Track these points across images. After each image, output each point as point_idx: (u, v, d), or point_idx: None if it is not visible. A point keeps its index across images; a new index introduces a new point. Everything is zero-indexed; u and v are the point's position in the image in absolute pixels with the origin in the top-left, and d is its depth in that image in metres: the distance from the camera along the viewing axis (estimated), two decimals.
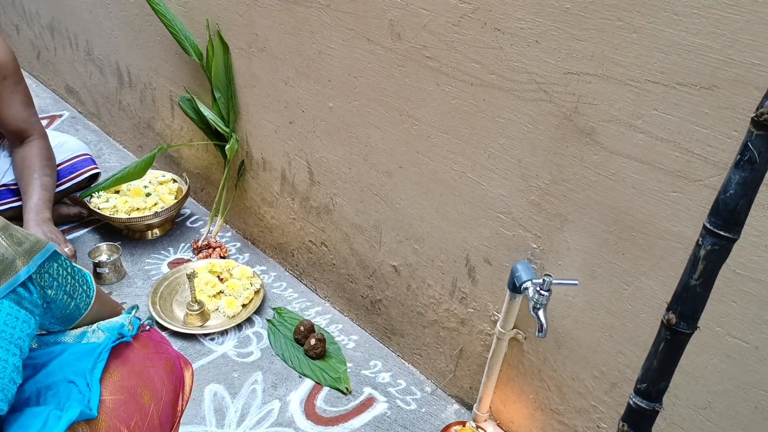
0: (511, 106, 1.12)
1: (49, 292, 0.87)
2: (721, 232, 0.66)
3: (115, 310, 1.09)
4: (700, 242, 0.68)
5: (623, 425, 0.76)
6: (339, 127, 1.47)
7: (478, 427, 1.39)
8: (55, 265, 0.88)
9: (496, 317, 1.32)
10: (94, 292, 0.98)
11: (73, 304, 0.94)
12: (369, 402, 1.50)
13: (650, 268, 1.03)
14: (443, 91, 1.21)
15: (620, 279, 1.08)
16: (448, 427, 1.42)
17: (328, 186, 1.58)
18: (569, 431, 1.28)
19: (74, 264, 0.96)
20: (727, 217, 0.66)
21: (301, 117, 1.56)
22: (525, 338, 1.29)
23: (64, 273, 0.90)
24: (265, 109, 1.66)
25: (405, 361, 1.61)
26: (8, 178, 1.79)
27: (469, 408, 1.48)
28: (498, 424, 1.44)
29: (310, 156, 1.59)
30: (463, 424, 1.40)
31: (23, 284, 0.82)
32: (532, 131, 1.11)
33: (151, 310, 1.68)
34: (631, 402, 0.76)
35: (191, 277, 1.63)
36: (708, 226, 0.67)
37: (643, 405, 0.74)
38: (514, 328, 1.28)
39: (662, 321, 0.72)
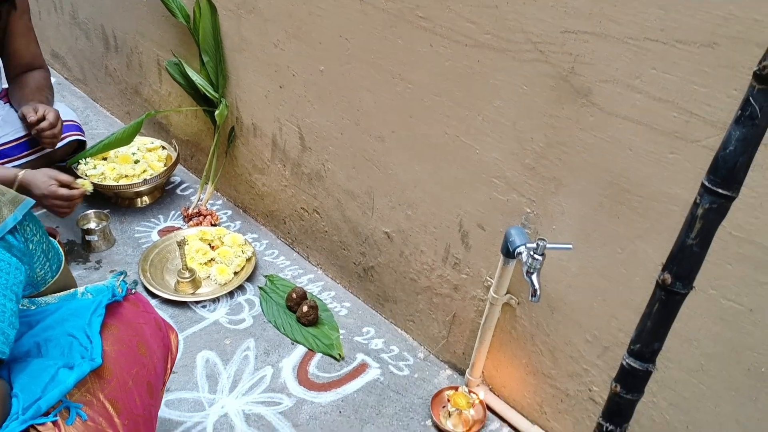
0: (506, 67, 1.09)
1: (30, 246, 0.87)
2: (720, 190, 0.65)
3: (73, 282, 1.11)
4: (697, 201, 0.67)
5: (616, 386, 0.76)
6: (330, 91, 1.44)
7: (470, 391, 1.39)
8: (32, 224, 0.89)
9: (489, 283, 1.32)
10: (63, 260, 0.99)
11: (47, 265, 0.94)
12: (362, 368, 1.50)
13: (645, 232, 1.02)
14: (436, 52, 1.18)
15: (615, 243, 1.07)
16: (441, 392, 1.42)
17: (319, 152, 1.56)
18: (561, 395, 1.28)
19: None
20: (726, 175, 0.64)
21: (292, 81, 1.53)
22: (518, 303, 1.28)
23: (40, 232, 0.91)
24: (255, 73, 1.63)
25: (398, 328, 1.61)
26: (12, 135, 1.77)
27: (462, 373, 1.49)
28: (490, 389, 1.44)
29: (302, 121, 1.56)
30: (456, 389, 1.40)
31: (11, 232, 0.82)
32: (527, 93, 1.08)
33: (142, 277, 1.66)
34: (624, 363, 0.75)
35: (182, 244, 1.61)
36: (706, 183, 0.66)
37: (636, 366, 0.74)
38: (507, 293, 1.27)
39: (657, 281, 0.71)
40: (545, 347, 1.27)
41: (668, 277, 0.69)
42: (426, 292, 1.47)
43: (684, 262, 0.69)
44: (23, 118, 1.68)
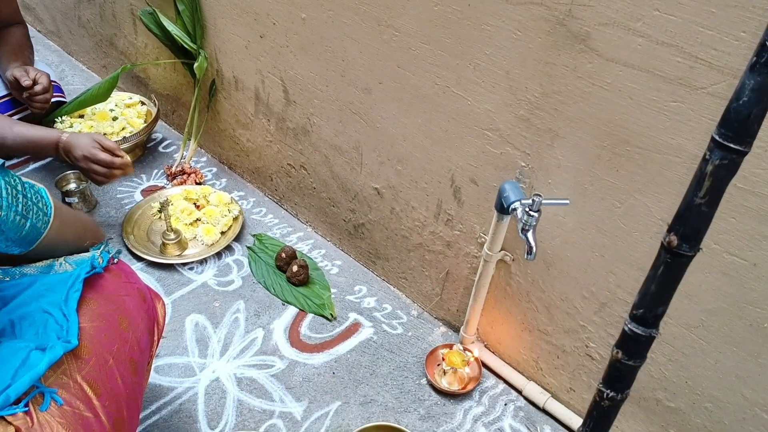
0: (498, 11, 1.02)
1: None
2: (732, 145, 0.60)
3: (93, 232, 1.04)
4: (707, 156, 0.61)
5: (617, 352, 0.72)
6: (313, 40, 1.36)
7: (465, 349, 1.37)
8: (2, 182, 0.81)
9: (483, 239, 1.27)
10: (52, 209, 0.91)
11: (29, 224, 0.87)
12: (354, 327, 1.47)
13: (645, 185, 0.97)
14: None
15: (613, 197, 1.03)
16: (435, 350, 1.39)
17: (304, 105, 1.49)
18: (557, 351, 1.26)
19: (25, 180, 0.89)
20: (738, 128, 0.59)
21: (273, 30, 1.45)
22: (513, 260, 1.24)
23: (13, 192, 0.83)
24: (234, 22, 1.54)
25: (390, 285, 1.57)
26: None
27: (456, 330, 1.46)
28: (485, 346, 1.42)
29: (284, 73, 1.48)
30: (450, 347, 1.38)
31: None
32: (521, 39, 1.02)
33: (126, 240, 1.61)
34: (626, 328, 0.71)
35: (164, 205, 1.55)
36: (717, 138, 0.60)
37: (639, 331, 0.70)
38: (501, 249, 1.23)
39: (662, 243, 0.66)
40: (541, 303, 1.24)
41: (674, 239, 0.65)
42: (418, 249, 1.43)
43: (691, 223, 0.64)
44: (13, 81, 1.60)
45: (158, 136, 2.01)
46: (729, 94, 0.84)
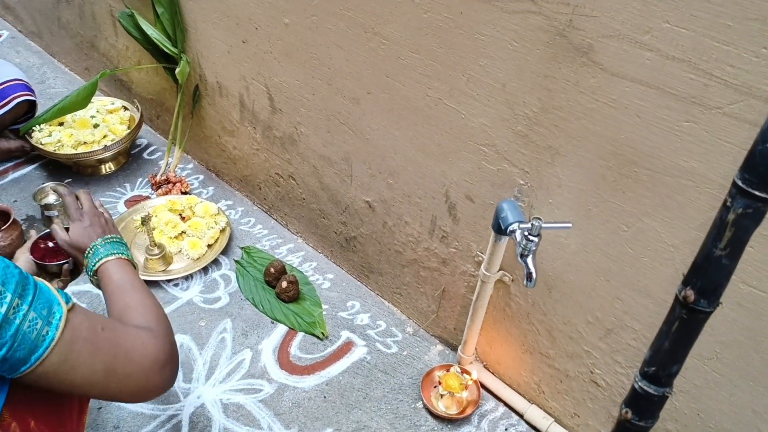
0: (493, 20, 0.94)
1: None
2: (757, 192, 0.52)
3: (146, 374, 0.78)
4: (728, 203, 0.54)
5: (627, 411, 0.65)
6: (297, 46, 1.28)
7: (463, 371, 1.30)
8: None
9: (480, 258, 1.20)
10: (62, 320, 0.71)
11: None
12: (347, 347, 1.40)
13: (654, 209, 0.90)
14: (413, 2, 1.02)
15: (619, 219, 0.95)
16: (431, 371, 1.33)
17: (290, 114, 1.41)
18: (560, 375, 1.19)
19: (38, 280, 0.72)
20: (764, 173, 0.52)
21: (255, 35, 1.36)
22: (512, 280, 1.17)
23: None
24: (215, 26, 1.45)
25: (385, 301, 1.50)
26: None
27: (454, 349, 1.39)
28: (485, 366, 1.35)
29: (269, 80, 1.40)
30: (447, 368, 1.31)
31: None
32: (518, 50, 0.93)
33: None
34: (636, 386, 0.64)
35: (146, 220, 1.48)
36: (740, 183, 0.53)
37: (651, 390, 0.63)
38: (500, 270, 1.16)
39: (677, 297, 0.59)
40: (542, 326, 1.17)
41: (691, 294, 0.57)
42: (413, 265, 1.36)
43: (710, 276, 0.57)
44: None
45: (143, 141, 1.93)
46: (748, 115, 0.76)
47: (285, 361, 1.37)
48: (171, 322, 0.90)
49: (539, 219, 0.94)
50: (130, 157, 1.86)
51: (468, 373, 1.30)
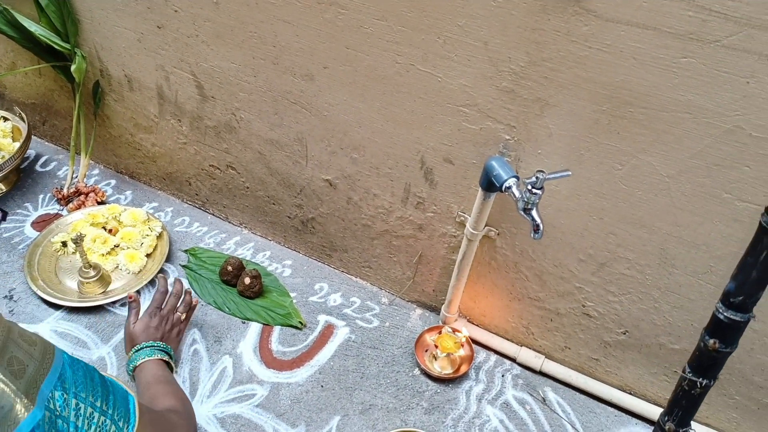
0: None
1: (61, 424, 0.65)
2: None
3: None
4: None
5: (714, 342, 0.69)
6: (232, 27, 1.17)
7: (454, 330, 1.31)
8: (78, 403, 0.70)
9: (461, 218, 1.20)
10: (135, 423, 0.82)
11: None
12: (328, 331, 1.36)
13: (650, 144, 0.94)
14: None
15: (613, 159, 0.99)
16: (421, 336, 1.33)
17: (226, 100, 1.30)
18: (551, 314, 1.24)
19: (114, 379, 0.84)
20: None
21: (175, 18, 1.23)
22: (498, 234, 1.19)
23: (88, 412, 0.71)
24: (118, 12, 1.29)
25: (352, 276, 1.47)
26: None
27: (433, 310, 1.40)
28: (468, 320, 1.37)
29: (196, 67, 1.28)
30: (438, 330, 1.32)
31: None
32: (501, 6, 0.92)
33: (35, 287, 1.36)
34: (721, 316, 0.68)
35: (78, 241, 1.32)
36: None
37: (737, 318, 0.67)
38: (485, 226, 1.17)
39: (762, 224, 0.62)
40: (531, 272, 1.20)
41: None
42: (384, 236, 1.33)
43: None
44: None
45: (31, 153, 1.70)
46: (747, 44, 0.81)
47: (270, 359, 1.30)
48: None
49: (542, 171, 0.95)
50: (21, 173, 1.64)
51: (458, 331, 1.32)
